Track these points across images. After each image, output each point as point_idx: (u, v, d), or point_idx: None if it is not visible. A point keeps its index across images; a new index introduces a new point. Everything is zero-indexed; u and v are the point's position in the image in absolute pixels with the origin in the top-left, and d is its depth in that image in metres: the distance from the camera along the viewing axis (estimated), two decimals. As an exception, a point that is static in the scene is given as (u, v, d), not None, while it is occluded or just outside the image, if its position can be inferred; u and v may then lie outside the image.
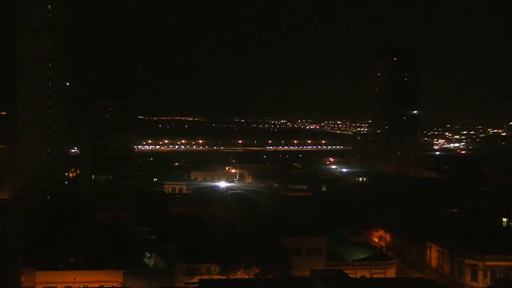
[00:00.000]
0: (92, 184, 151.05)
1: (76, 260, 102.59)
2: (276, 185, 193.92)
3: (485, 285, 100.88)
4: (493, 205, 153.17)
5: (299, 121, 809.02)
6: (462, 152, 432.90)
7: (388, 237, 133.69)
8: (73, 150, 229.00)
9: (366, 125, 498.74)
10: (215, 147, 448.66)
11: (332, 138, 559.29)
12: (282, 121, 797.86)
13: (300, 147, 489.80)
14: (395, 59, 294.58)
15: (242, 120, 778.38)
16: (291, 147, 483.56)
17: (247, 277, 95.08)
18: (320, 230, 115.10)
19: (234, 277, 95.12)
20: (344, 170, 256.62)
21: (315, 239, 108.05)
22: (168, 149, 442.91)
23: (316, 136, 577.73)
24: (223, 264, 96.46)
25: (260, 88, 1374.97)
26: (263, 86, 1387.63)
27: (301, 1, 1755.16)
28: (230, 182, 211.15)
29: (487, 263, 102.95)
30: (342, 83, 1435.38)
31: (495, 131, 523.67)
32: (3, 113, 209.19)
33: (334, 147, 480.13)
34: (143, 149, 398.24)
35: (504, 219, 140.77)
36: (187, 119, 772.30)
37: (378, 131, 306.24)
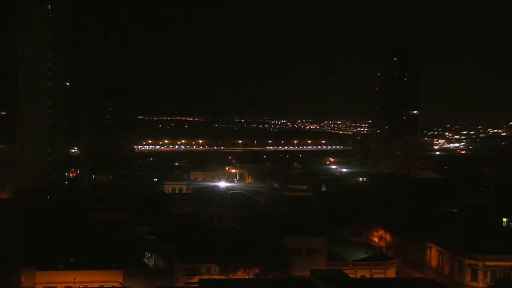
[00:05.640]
0: (92, 184, 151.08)
1: (76, 260, 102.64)
2: (276, 185, 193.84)
3: (485, 285, 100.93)
4: (493, 205, 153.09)
5: (299, 121, 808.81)
6: (462, 152, 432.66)
7: (388, 237, 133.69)
8: (73, 150, 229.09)
9: (366, 125, 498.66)
10: (215, 147, 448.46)
11: (332, 138, 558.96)
12: (282, 121, 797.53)
13: (300, 147, 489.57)
14: (395, 59, 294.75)
15: (242, 120, 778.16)
16: (291, 147, 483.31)
17: (247, 277, 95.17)
18: (320, 230, 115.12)
19: (234, 277, 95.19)
20: (344, 170, 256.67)
21: (315, 239, 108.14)
22: (168, 149, 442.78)
23: (316, 136, 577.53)
24: (223, 264, 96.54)
25: (261, 88, 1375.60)
26: (264, 86, 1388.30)
27: (301, 1, 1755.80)
28: (230, 182, 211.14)
29: (487, 263, 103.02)
30: (342, 83, 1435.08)
31: (495, 131, 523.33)
32: (3, 113, 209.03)
33: (334, 147, 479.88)
34: (143, 149, 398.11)
35: (504, 219, 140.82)
36: (187, 119, 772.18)
37: (378, 131, 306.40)
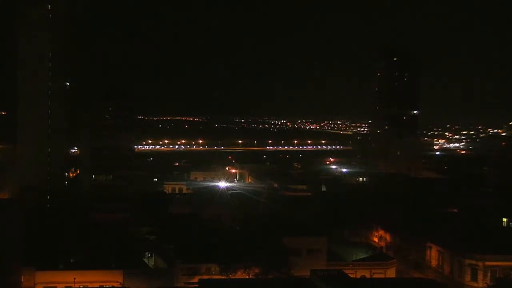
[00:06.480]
0: (92, 184, 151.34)
1: (76, 260, 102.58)
2: (276, 185, 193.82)
3: (485, 285, 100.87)
4: (493, 205, 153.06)
5: (299, 121, 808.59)
6: (462, 152, 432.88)
7: (388, 237, 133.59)
8: (73, 150, 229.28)
9: (366, 125, 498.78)
10: (215, 147, 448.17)
11: (332, 138, 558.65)
12: (282, 121, 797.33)
13: (300, 147, 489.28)
14: (395, 59, 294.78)
15: (242, 120, 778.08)
16: (291, 147, 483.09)
17: (247, 277, 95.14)
18: (320, 230, 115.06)
19: (234, 277, 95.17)
20: (344, 170, 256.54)
21: (315, 239, 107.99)
22: (168, 149, 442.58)
23: (316, 136, 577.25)
24: (223, 264, 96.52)
25: (261, 88, 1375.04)
26: (264, 86, 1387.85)
27: (301, 1, 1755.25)
28: (230, 182, 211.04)
29: (487, 263, 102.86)
30: (342, 83, 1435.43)
31: (495, 131, 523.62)
32: (3, 113, 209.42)
33: (334, 147, 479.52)
34: (143, 149, 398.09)
35: (504, 219, 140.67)
36: (187, 119, 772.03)
37: (378, 131, 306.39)
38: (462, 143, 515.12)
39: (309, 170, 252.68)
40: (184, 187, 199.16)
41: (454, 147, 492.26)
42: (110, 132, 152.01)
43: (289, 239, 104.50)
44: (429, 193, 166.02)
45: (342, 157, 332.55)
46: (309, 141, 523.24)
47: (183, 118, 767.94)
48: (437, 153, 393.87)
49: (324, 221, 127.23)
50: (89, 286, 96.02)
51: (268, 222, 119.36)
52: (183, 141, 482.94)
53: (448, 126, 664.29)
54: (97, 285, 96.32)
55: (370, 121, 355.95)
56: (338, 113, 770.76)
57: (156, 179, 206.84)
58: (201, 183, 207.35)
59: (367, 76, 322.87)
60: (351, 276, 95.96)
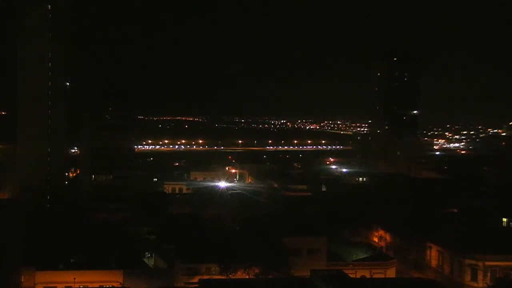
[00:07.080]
0: (92, 184, 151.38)
1: (76, 260, 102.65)
2: (276, 185, 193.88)
3: (485, 285, 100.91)
4: (493, 205, 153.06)
5: (299, 121, 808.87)
6: (462, 152, 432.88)
7: (388, 237, 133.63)
8: (73, 150, 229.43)
9: (366, 125, 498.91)
10: (215, 147, 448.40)
11: (332, 138, 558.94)
12: (282, 121, 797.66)
13: (300, 147, 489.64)
14: (395, 59, 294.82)
15: (242, 120, 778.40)
16: (291, 147, 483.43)
17: (247, 277, 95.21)
18: (320, 230, 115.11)
19: (234, 277, 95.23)
20: (344, 170, 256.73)
21: (315, 239, 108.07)
22: (168, 149, 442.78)
23: (316, 136, 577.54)
24: (223, 264, 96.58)
25: (261, 88, 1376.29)
26: (264, 86, 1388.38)
27: (301, 1, 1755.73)
28: (230, 182, 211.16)
29: (487, 263, 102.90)
30: (343, 83, 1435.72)
31: (495, 131, 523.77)
32: (3, 113, 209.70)
33: (334, 147, 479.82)
34: (143, 149, 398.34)
35: (504, 219, 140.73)
36: (187, 119, 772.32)
37: (378, 131, 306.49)
38: (462, 143, 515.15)
39: (309, 170, 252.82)
40: (184, 187, 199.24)
41: (454, 147, 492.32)
42: (110, 132, 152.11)
43: (289, 239, 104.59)
44: (429, 193, 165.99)
45: (342, 157, 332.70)
46: (309, 141, 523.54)
47: (183, 118, 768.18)
48: (437, 153, 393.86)
49: (324, 221, 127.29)
50: (89, 286, 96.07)
51: (268, 222, 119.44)
52: (183, 141, 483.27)
53: (448, 126, 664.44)
54: (97, 285, 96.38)
55: (370, 121, 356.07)
56: (338, 113, 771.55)
57: (156, 179, 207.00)
58: (201, 183, 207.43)
59: (367, 76, 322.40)
60: (351, 276, 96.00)
